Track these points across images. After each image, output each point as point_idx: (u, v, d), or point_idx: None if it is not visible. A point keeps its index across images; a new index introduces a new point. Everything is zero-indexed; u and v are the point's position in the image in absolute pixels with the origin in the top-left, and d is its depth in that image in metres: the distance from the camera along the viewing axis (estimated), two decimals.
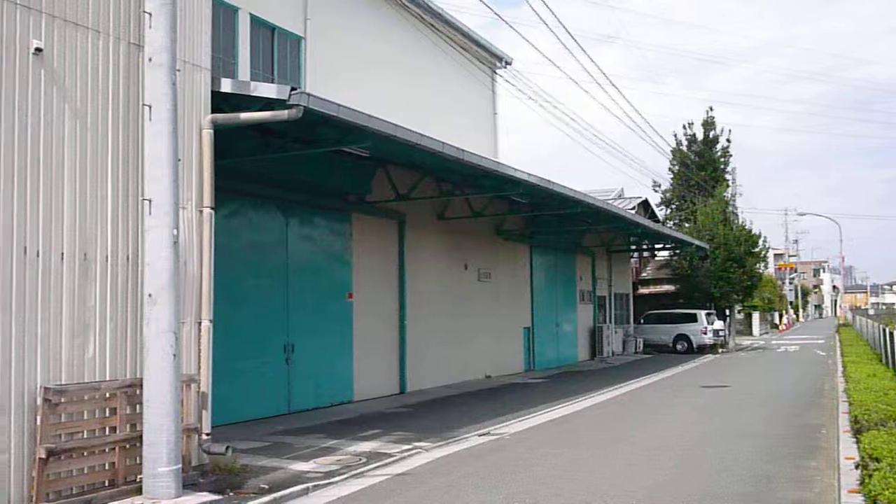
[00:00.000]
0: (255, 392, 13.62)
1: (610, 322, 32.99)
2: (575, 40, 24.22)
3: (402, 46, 19.69)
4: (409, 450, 10.97)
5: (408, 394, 17.80)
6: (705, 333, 33.88)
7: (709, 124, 44.44)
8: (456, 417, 14.04)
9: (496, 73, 25.22)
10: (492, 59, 24.74)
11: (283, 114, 9.53)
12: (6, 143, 7.30)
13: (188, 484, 8.44)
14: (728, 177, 44.21)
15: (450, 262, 20.39)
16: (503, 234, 23.22)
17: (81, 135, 8.03)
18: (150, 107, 8.31)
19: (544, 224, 24.59)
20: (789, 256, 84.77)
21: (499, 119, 25.83)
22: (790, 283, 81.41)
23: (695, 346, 33.78)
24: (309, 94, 9.57)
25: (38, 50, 7.64)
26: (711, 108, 53.95)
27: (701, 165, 43.37)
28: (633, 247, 35.18)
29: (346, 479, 9.22)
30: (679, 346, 34.12)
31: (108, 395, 8.13)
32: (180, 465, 8.17)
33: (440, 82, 21.69)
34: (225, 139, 10.05)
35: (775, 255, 74.22)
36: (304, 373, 14.85)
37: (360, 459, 10.30)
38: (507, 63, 25.05)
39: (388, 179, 16.40)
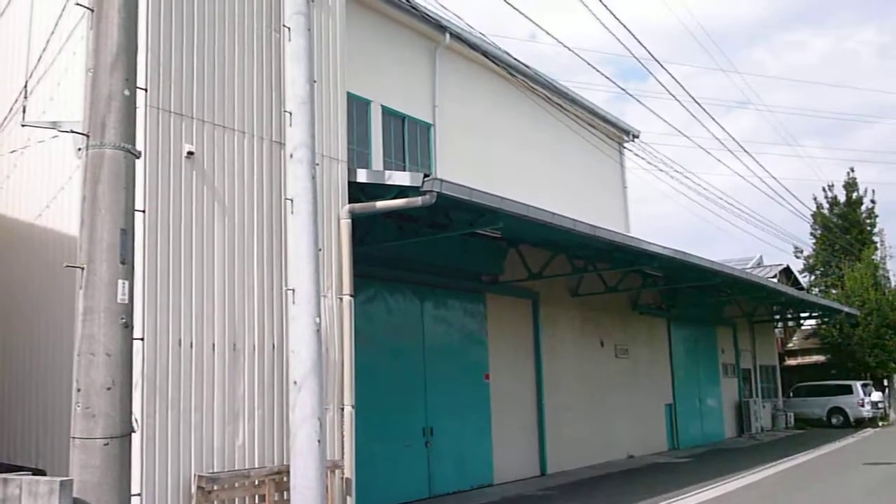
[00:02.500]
0: (396, 476, 13.61)
1: (756, 396, 31.46)
2: (703, 109, 23.90)
3: (528, 125, 19.93)
4: None
5: (549, 475, 17.39)
6: (862, 406, 31.75)
7: (851, 185, 42.52)
8: (602, 501, 13.58)
9: (624, 146, 25.09)
10: (619, 134, 24.67)
11: (416, 200, 9.74)
12: (162, 241, 7.75)
13: None
14: (875, 238, 41.95)
15: (585, 338, 20.06)
16: (639, 308, 22.71)
17: (229, 230, 8.44)
18: (291, 200, 8.67)
19: (682, 296, 23.92)
20: None
21: (628, 192, 25.58)
22: None
23: (851, 419, 31.69)
24: (441, 180, 9.77)
25: (190, 153, 8.15)
26: (853, 169, 51.56)
27: (845, 228, 41.39)
28: (777, 316, 33.65)
29: None
30: (834, 420, 32.09)
31: (257, 482, 8.31)
32: None
33: (568, 158, 21.75)
34: (361, 226, 10.33)
35: None
36: (444, 455, 14.77)
37: None
38: (635, 136, 24.90)
39: (520, 258, 16.41)
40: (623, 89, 26.44)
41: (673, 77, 20.64)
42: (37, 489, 5.86)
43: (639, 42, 14.44)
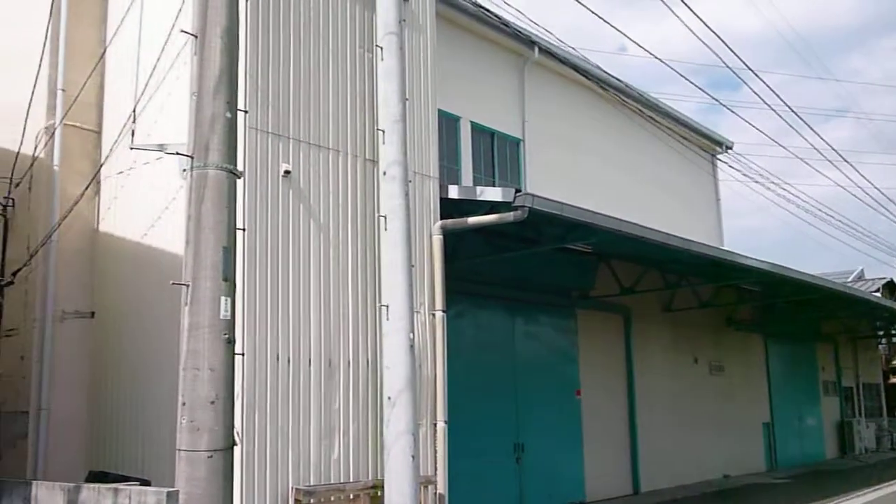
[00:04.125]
0: (488, 492, 13.55)
1: (860, 415, 30.22)
2: (800, 118, 23.22)
3: (618, 138, 19.71)
4: None
5: (642, 494, 17.06)
6: None
7: None
8: None
9: (717, 157, 24.56)
10: (712, 145, 24.17)
11: (508, 216, 9.74)
12: (261, 259, 7.94)
13: None
14: None
15: (678, 355, 19.64)
16: (734, 324, 22.11)
17: (325, 247, 8.60)
18: (385, 217, 8.78)
19: (779, 312, 23.19)
20: None
21: (722, 204, 25.00)
22: None
23: None
24: (533, 196, 9.74)
25: (287, 172, 8.34)
26: None
27: None
28: (881, 332, 32.29)
29: None
30: None
31: (352, 496, 8.40)
32: None
33: (659, 171, 21.42)
34: (451, 242, 10.37)
35: None
36: (535, 472, 14.65)
37: None
38: (728, 147, 24.35)
39: (611, 273, 16.20)
40: (716, 99, 25.97)
41: (767, 85, 20.15)
42: (145, 499, 6.07)
43: (731, 50, 14.15)
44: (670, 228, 12.83)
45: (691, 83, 23.94)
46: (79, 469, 9.20)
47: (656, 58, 14.50)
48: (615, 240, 12.18)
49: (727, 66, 15.65)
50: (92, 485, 6.92)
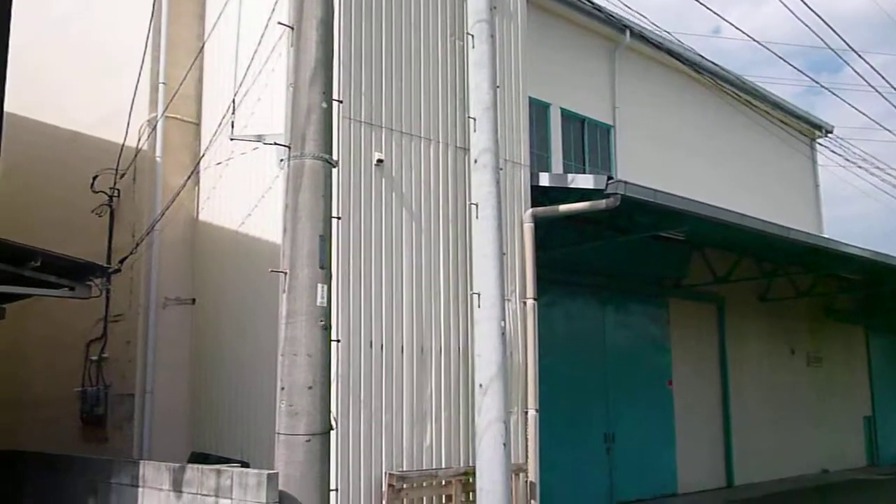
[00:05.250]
0: (578, 481, 13.48)
1: None
2: None
3: (713, 123, 19.23)
4: None
5: (735, 488, 16.68)
6: None
7: None
8: None
9: (816, 142, 23.72)
10: (811, 129, 23.35)
11: (600, 203, 9.62)
12: (354, 247, 8.07)
13: None
14: None
15: (774, 345, 19.10)
16: (833, 314, 21.35)
17: (417, 235, 8.67)
18: (476, 205, 8.79)
19: (882, 302, 22.27)
20: None
21: (821, 191, 24.15)
22: None
23: None
24: (626, 183, 9.60)
25: (380, 161, 8.43)
26: None
27: None
28: None
29: None
30: None
31: (444, 482, 8.47)
32: None
33: (756, 157, 20.82)
34: (541, 230, 10.31)
35: None
36: (626, 463, 14.48)
37: None
38: (828, 131, 23.48)
39: (704, 262, 15.85)
40: (816, 81, 25.09)
41: (871, 66, 19.29)
42: (246, 481, 6.24)
43: (833, 30, 13.58)
44: (767, 215, 12.48)
45: (790, 65, 23.16)
46: (181, 450, 9.52)
47: (753, 40, 14.11)
48: (709, 228, 11.91)
49: (828, 47, 15.06)
50: (196, 465, 7.16)
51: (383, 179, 8.46)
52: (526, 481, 9.24)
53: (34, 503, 8.89)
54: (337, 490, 7.34)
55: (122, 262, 9.25)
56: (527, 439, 9.39)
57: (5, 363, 10.56)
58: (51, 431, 10.59)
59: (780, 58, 25.37)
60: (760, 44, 13.87)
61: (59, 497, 8.47)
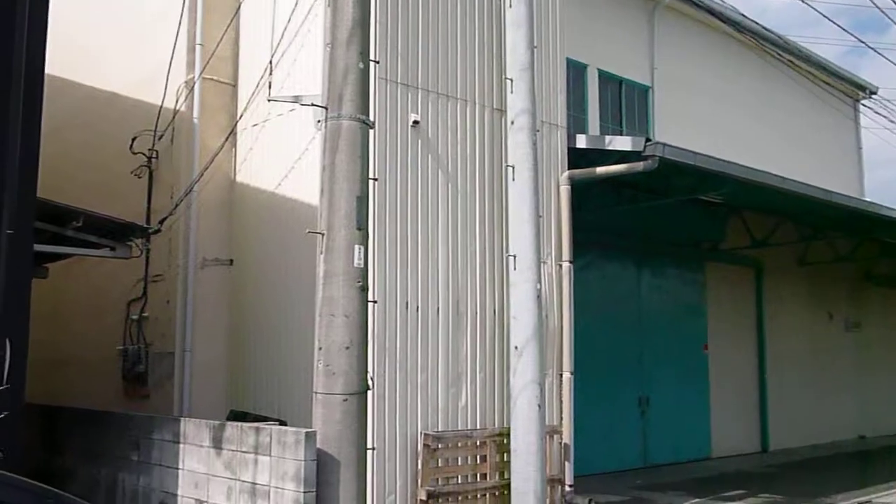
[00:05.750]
0: (611, 444, 13.53)
1: None
2: None
3: (753, 84, 18.86)
4: None
5: (770, 453, 16.63)
6: None
7: None
8: (829, 482, 12.83)
9: (859, 103, 23.19)
10: (854, 90, 22.82)
11: (638, 166, 9.51)
12: (391, 208, 8.07)
13: None
14: None
15: (812, 310, 18.89)
16: (874, 279, 21.02)
17: (453, 197, 8.65)
18: (512, 167, 8.74)
19: None
20: None
21: (864, 153, 23.65)
22: None
23: None
24: (664, 145, 9.48)
25: (416, 122, 8.39)
26: None
27: None
28: None
29: None
30: None
31: (479, 442, 8.53)
32: None
33: (797, 118, 20.41)
34: (578, 192, 10.23)
35: None
36: (660, 426, 14.49)
37: None
38: (872, 92, 22.92)
39: (742, 225, 15.66)
40: (861, 41, 24.45)
41: None
42: (285, 439, 6.33)
43: None
44: (807, 178, 12.27)
45: (835, 24, 22.60)
46: (220, 408, 9.67)
47: None
48: (749, 191, 11.74)
49: (875, 5, 14.65)
50: (235, 423, 7.28)
51: (419, 141, 8.43)
52: (560, 443, 9.28)
53: (79, 457, 9.11)
54: (373, 449, 7.43)
55: (161, 222, 9.34)
56: (561, 401, 9.41)
57: (49, 322, 10.77)
58: (94, 388, 10.81)
59: (825, 16, 24.75)
60: (804, 1, 13.52)
61: (104, 451, 8.67)
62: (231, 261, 10.08)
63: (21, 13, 6.28)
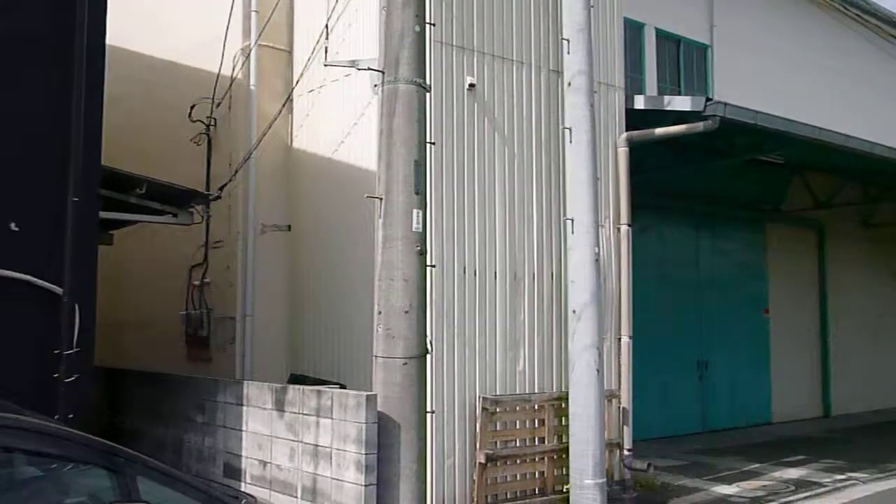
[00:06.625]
0: (669, 409, 13.46)
1: None
2: None
3: (818, 40, 18.27)
4: (842, 480, 10.07)
5: (832, 418, 16.39)
6: None
7: None
8: (893, 447, 12.60)
9: None
10: None
11: (698, 126, 9.32)
12: (447, 172, 8.05)
13: (611, 499, 8.55)
14: None
15: (876, 273, 18.43)
16: None
17: (509, 161, 8.59)
18: (569, 129, 8.60)
19: None
20: None
21: None
22: None
23: None
24: (725, 104, 9.26)
25: (472, 85, 8.32)
26: None
27: None
28: None
29: None
30: None
31: (536, 406, 8.55)
32: (605, 479, 8.30)
33: (863, 75, 19.74)
34: (635, 154, 10.08)
35: None
36: (719, 391, 14.36)
37: (788, 487, 9.67)
38: None
39: (805, 186, 15.30)
40: None
41: None
42: (346, 402, 6.42)
43: None
44: (875, 137, 11.89)
45: None
46: (280, 371, 9.85)
47: None
48: (812, 150, 11.44)
49: None
50: (297, 386, 7.39)
51: (475, 104, 8.37)
52: (619, 407, 9.25)
53: (145, 418, 9.36)
54: (433, 412, 7.49)
55: (221, 189, 9.46)
56: (619, 366, 9.36)
57: (114, 287, 11.01)
58: (158, 352, 11.07)
59: None
60: None
61: (169, 413, 8.90)
62: (289, 226, 10.18)
63: None
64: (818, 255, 16.77)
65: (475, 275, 8.19)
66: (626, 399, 9.31)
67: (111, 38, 7.02)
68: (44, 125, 6.31)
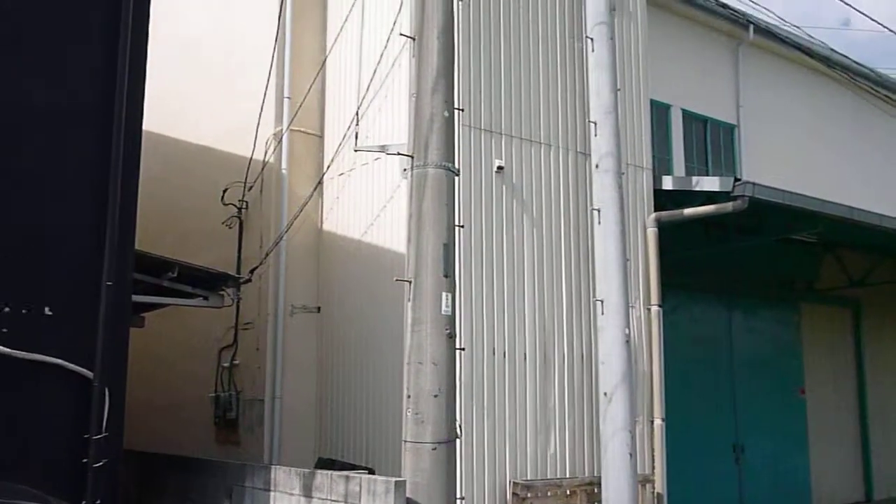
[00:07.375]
0: (706, 493, 13.07)
1: None
2: None
3: (844, 119, 18.32)
4: None
5: (875, 502, 15.84)
6: None
7: None
8: None
9: None
10: None
11: (727, 206, 9.32)
12: (476, 254, 8.08)
13: None
14: None
15: None
16: None
17: (538, 241, 8.61)
18: (598, 210, 8.64)
19: None
20: None
21: None
22: None
23: None
24: (754, 184, 9.27)
25: (500, 168, 8.42)
26: None
27: None
28: None
29: None
30: None
31: (568, 491, 8.37)
32: None
33: (892, 152, 19.74)
34: (665, 234, 10.07)
35: None
36: (757, 474, 13.95)
37: None
38: None
39: (838, 264, 15.13)
40: None
41: None
42: (375, 487, 6.32)
43: None
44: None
45: None
46: (308, 455, 9.75)
47: (887, 28, 13.37)
48: (844, 228, 11.36)
49: None
50: (325, 471, 7.30)
51: (504, 186, 8.44)
52: (653, 492, 9.03)
53: (174, 502, 9.27)
54: (464, 498, 7.35)
55: (252, 272, 9.55)
56: (653, 449, 9.18)
57: (145, 368, 11.06)
58: (187, 434, 11.03)
59: None
60: (892, 31, 13.13)
61: (197, 498, 8.81)
62: (318, 308, 10.21)
63: (121, 74, 6.55)
64: (854, 334, 16.45)
65: (505, 357, 8.14)
66: (660, 484, 9.09)
67: (148, 124, 7.21)
68: (83, 211, 6.43)
